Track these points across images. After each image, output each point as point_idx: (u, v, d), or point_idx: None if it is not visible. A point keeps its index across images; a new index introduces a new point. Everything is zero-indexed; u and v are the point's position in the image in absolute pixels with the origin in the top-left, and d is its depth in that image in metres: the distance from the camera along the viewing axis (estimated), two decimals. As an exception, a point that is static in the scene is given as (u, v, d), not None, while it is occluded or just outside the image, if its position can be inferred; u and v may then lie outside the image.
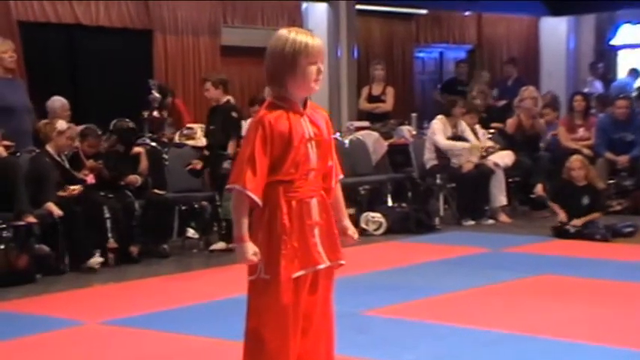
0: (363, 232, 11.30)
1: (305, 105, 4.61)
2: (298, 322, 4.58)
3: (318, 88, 4.60)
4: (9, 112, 10.18)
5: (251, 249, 4.42)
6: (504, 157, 12.75)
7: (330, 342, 4.79)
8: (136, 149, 10.65)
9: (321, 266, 4.60)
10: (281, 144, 4.48)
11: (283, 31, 4.62)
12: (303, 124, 4.56)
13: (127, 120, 10.91)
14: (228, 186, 4.56)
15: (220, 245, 10.43)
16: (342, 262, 4.70)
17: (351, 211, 11.73)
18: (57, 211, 9.41)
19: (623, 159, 13.19)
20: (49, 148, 9.89)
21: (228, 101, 10.61)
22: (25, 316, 7.61)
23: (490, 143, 12.94)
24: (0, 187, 9.36)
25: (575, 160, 11.41)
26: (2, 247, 9.09)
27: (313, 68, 4.51)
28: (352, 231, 4.83)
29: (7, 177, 9.42)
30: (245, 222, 4.48)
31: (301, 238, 4.52)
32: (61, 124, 10.13)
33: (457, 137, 12.62)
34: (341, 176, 4.84)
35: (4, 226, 9.22)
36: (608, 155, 13.24)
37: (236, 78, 14.56)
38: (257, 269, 4.51)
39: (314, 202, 4.59)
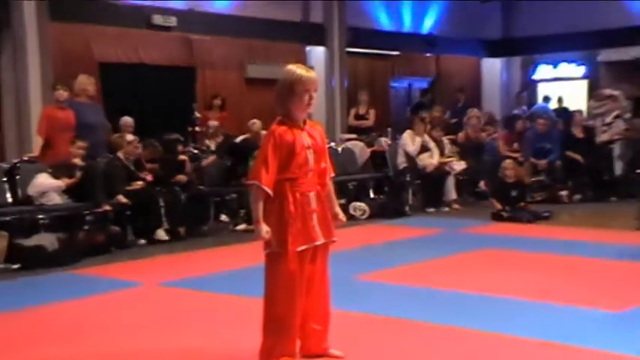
0: (351, 218, 11.24)
1: (304, 122, 4.65)
2: (303, 285, 4.60)
3: (310, 109, 4.65)
4: (90, 128, 10.13)
5: (265, 229, 4.48)
6: (460, 164, 12.78)
7: (327, 299, 4.82)
8: (182, 157, 10.62)
9: (318, 242, 4.64)
10: (287, 150, 4.52)
11: (288, 66, 4.68)
12: (303, 136, 4.60)
13: (171, 133, 10.86)
14: (248, 182, 4.61)
15: (242, 226, 10.39)
16: (335, 239, 4.75)
17: (342, 201, 11.70)
18: (125, 201, 9.44)
19: (542, 163, 13.22)
20: (120, 154, 9.90)
21: None
22: (102, 279, 7.61)
23: (452, 157, 12.91)
24: (85, 185, 9.36)
25: (508, 163, 11.63)
26: (87, 227, 9.14)
27: (306, 94, 4.55)
28: (342, 216, 4.91)
29: (89, 177, 9.43)
30: (261, 208, 4.51)
31: (303, 222, 4.57)
32: (129, 137, 10.22)
33: (421, 147, 12.59)
34: (332, 175, 4.88)
35: (87, 212, 9.24)
36: (532, 160, 13.27)
37: (257, 103, 14.53)
38: (270, 244, 4.55)
39: (312, 194, 4.63)
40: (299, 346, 4.71)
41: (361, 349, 5.06)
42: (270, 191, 4.47)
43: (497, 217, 11.00)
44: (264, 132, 11.94)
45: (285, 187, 4.53)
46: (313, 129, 4.69)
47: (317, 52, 16.51)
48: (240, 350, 5.00)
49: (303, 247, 4.54)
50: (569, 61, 20.13)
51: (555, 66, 20.46)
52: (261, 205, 4.51)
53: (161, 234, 9.62)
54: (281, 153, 4.51)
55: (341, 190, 11.99)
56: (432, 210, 12.15)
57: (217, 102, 13.32)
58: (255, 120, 11.71)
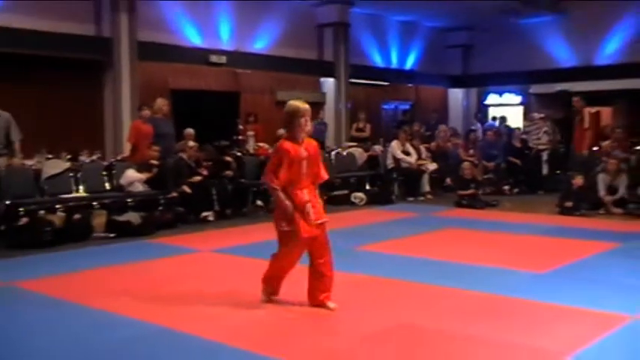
0: (352, 204, 11.25)
1: (302, 140, 4.73)
2: (304, 249, 4.73)
3: (308, 130, 4.71)
4: (164, 136, 10.17)
5: (290, 205, 4.63)
6: (432, 165, 12.72)
7: (330, 256, 4.85)
8: (227, 158, 10.63)
9: (314, 220, 4.71)
10: (289, 161, 4.64)
11: (290, 101, 4.81)
12: (301, 150, 4.69)
13: (221, 141, 10.89)
14: (263, 180, 4.84)
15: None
16: (326, 219, 4.79)
17: (346, 191, 11.72)
18: (187, 190, 9.44)
19: (491, 165, 13.18)
20: (184, 155, 9.89)
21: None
22: (169, 246, 7.64)
23: (427, 160, 12.83)
24: (159, 178, 9.41)
25: (466, 164, 11.56)
26: (160, 208, 9.18)
27: (302, 120, 4.66)
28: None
29: (162, 172, 9.45)
30: (282, 195, 4.64)
31: (302, 210, 4.68)
32: (191, 143, 10.17)
33: (405, 152, 12.56)
34: (326, 177, 4.91)
35: (161, 197, 9.29)
36: (484, 162, 13.22)
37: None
38: (283, 224, 4.71)
39: (305, 190, 4.71)
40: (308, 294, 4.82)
41: (359, 300, 5.08)
42: (278, 187, 4.61)
43: (458, 204, 10.97)
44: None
45: (289, 185, 4.65)
46: (309, 145, 4.77)
47: (328, 82, 16.50)
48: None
49: (306, 235, 4.65)
50: (510, 92, 20.15)
51: (501, 95, 20.45)
52: (281, 194, 4.63)
53: (211, 215, 9.61)
54: (284, 162, 4.62)
55: (345, 183, 12.02)
56: (411, 199, 12.09)
57: (251, 118, 13.37)
58: (281, 130, 11.67)
